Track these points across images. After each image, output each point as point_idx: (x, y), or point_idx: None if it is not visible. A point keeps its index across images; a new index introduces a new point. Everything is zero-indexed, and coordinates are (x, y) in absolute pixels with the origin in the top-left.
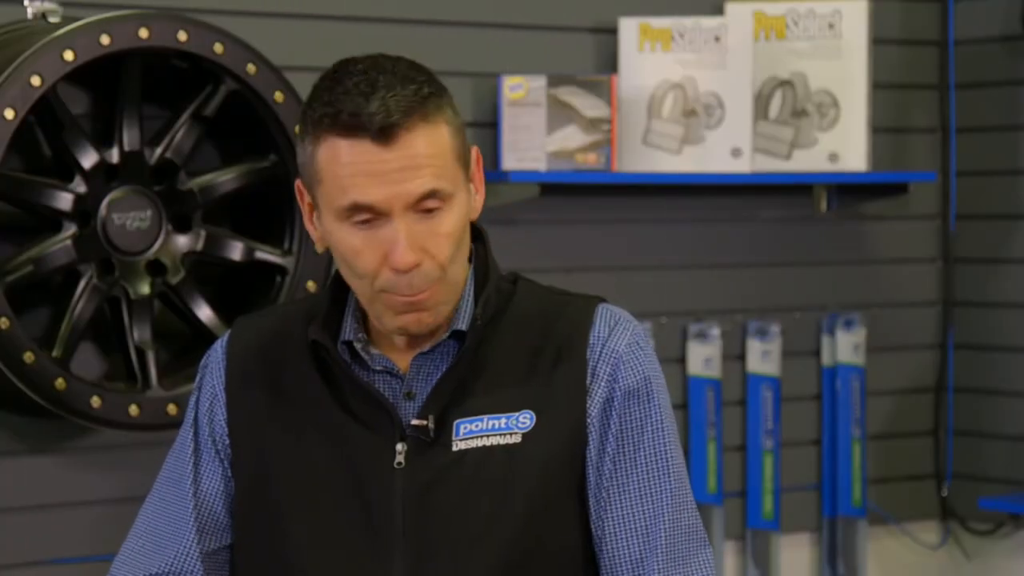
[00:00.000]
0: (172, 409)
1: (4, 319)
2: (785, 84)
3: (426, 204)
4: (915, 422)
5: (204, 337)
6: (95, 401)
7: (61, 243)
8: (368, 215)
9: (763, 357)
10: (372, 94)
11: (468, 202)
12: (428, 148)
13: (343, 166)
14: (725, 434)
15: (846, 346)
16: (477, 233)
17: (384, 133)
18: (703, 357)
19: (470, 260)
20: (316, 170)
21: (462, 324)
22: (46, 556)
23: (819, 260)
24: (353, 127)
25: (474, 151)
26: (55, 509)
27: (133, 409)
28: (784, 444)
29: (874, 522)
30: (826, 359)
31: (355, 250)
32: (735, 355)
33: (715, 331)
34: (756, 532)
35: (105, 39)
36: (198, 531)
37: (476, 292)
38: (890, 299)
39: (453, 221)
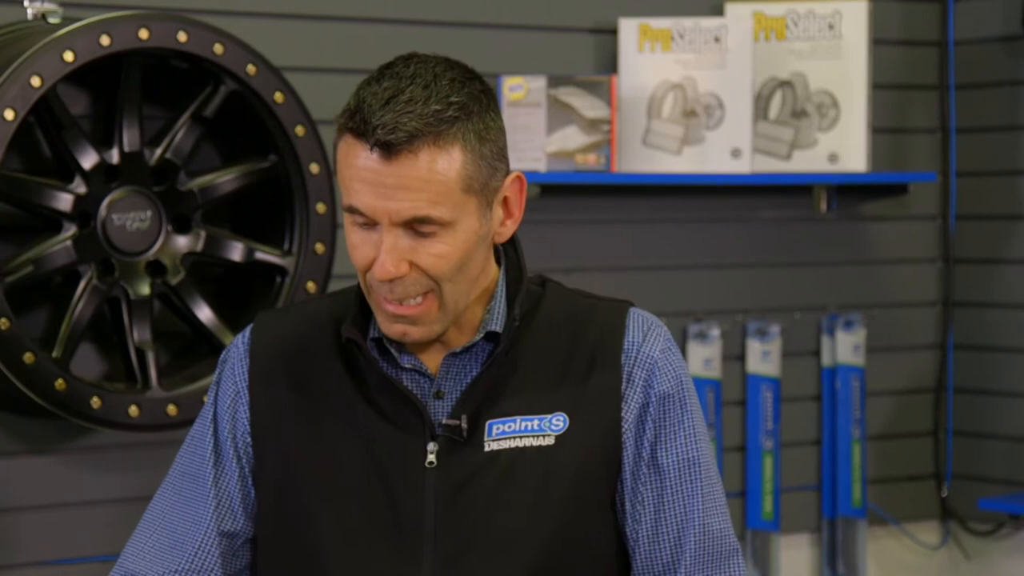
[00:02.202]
0: (172, 410)
1: (4, 319)
2: (785, 84)
3: (417, 226)
4: (915, 422)
5: (204, 337)
6: (95, 401)
7: (61, 243)
8: (364, 218)
9: (763, 357)
10: (391, 103)
11: (479, 229)
12: (429, 173)
13: (349, 166)
14: (725, 434)
15: (846, 346)
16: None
17: (386, 147)
18: (703, 358)
19: (499, 263)
20: (336, 160)
21: (495, 325)
22: (46, 556)
23: (819, 260)
24: (361, 132)
25: (514, 178)
26: (55, 509)
27: (133, 409)
28: (784, 444)
29: (874, 522)
30: (826, 359)
31: (353, 244)
32: (735, 355)
33: (715, 331)
34: (756, 532)
35: (105, 40)
36: (218, 528)
37: (508, 294)
38: (890, 299)
39: (448, 247)
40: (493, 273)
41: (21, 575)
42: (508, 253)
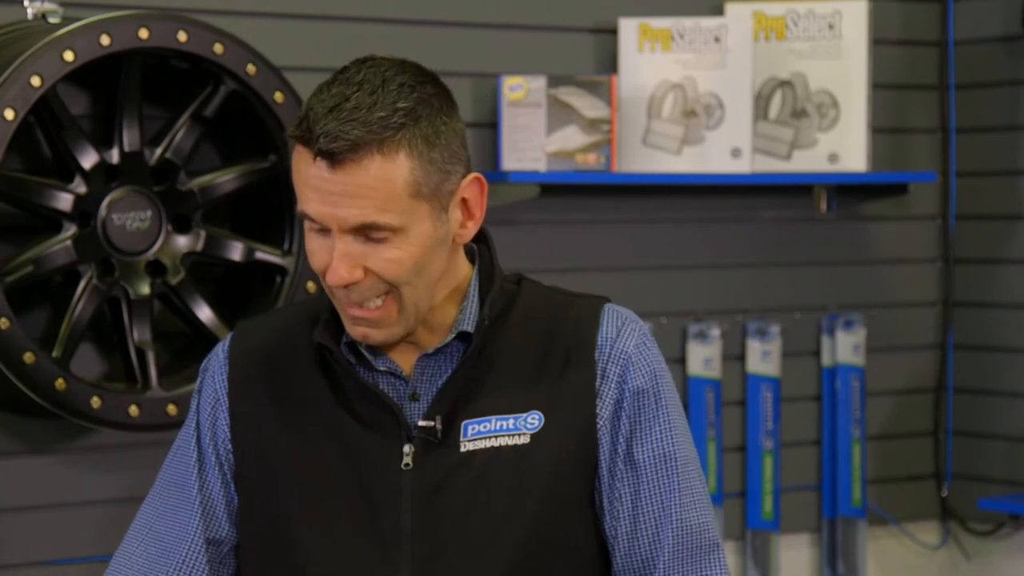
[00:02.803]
0: (172, 409)
1: (4, 319)
2: (785, 84)
3: (368, 232)
4: (915, 422)
5: (204, 337)
6: (95, 401)
7: (61, 243)
8: (317, 224)
9: (763, 357)
10: (335, 111)
11: (433, 233)
12: (375, 180)
13: (299, 172)
14: (725, 434)
15: (846, 346)
16: (481, 235)
17: (329, 156)
18: (703, 357)
19: (473, 262)
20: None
21: (467, 325)
22: (46, 556)
23: (819, 260)
24: (306, 141)
25: (472, 179)
26: (55, 509)
27: (133, 409)
28: (784, 444)
29: (874, 522)
30: (826, 359)
31: (311, 250)
32: (735, 355)
33: (715, 331)
34: (756, 532)
35: (105, 39)
36: (205, 536)
37: (481, 293)
38: (890, 299)
39: (401, 252)
40: (464, 273)
41: (21, 574)
42: (482, 253)
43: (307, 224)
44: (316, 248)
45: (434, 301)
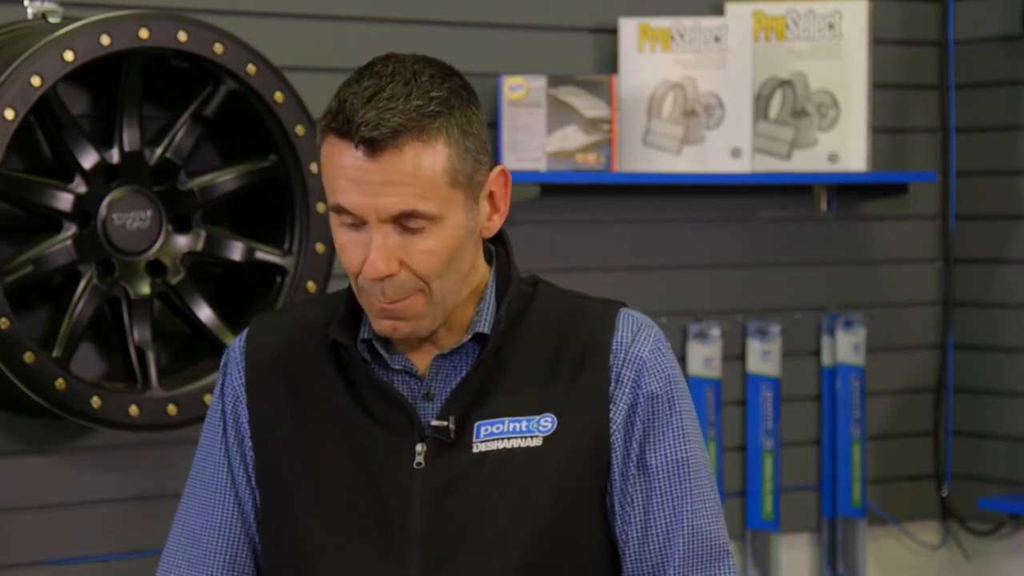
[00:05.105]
0: (172, 409)
1: (4, 319)
2: (785, 84)
3: (406, 222)
4: (915, 422)
5: (204, 337)
6: (95, 401)
7: (61, 243)
8: (352, 218)
9: (763, 357)
10: (373, 101)
11: (467, 223)
12: (415, 168)
13: (334, 165)
14: (725, 434)
15: (846, 346)
16: (498, 236)
17: (370, 144)
18: (703, 357)
19: (490, 263)
20: (320, 161)
21: (484, 327)
22: (46, 556)
23: (819, 260)
24: (345, 131)
25: (498, 172)
26: (55, 509)
27: (133, 409)
28: (784, 444)
29: (874, 522)
30: (826, 359)
31: (342, 246)
32: (735, 355)
33: (715, 331)
34: (756, 532)
35: (105, 39)
36: (245, 532)
37: (498, 295)
38: (890, 299)
39: (437, 243)
40: (483, 273)
41: (21, 574)
42: (499, 254)
43: (337, 219)
44: (347, 243)
45: (460, 297)
